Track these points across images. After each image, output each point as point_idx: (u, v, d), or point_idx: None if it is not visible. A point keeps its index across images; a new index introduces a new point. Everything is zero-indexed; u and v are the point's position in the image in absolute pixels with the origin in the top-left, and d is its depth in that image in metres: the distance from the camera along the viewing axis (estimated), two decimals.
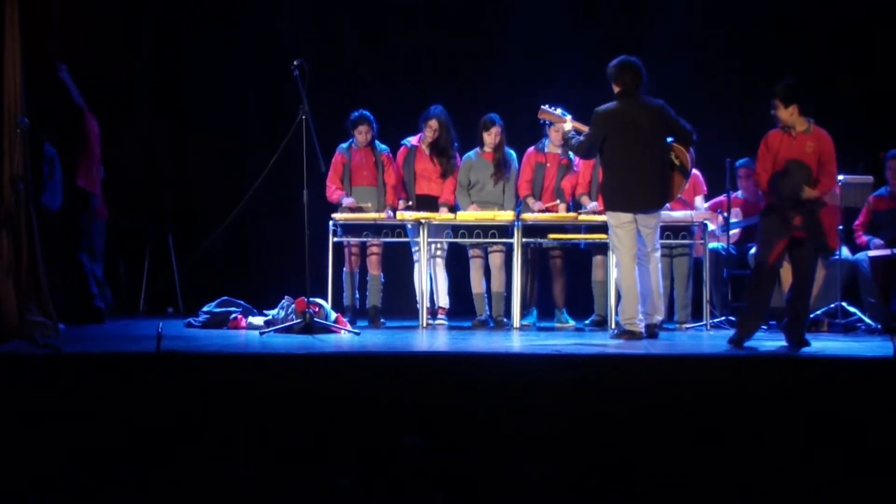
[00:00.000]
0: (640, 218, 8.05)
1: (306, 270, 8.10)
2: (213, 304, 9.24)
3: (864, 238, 9.31)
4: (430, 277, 9.62)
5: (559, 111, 8.55)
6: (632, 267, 8.03)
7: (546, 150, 9.65)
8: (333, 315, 8.69)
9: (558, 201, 9.53)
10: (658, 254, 8.21)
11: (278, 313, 8.64)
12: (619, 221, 8.05)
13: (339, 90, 11.14)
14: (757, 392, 5.84)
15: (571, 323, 9.68)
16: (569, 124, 8.41)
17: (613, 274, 8.83)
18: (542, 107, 8.58)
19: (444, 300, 9.79)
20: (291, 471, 5.42)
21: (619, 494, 5.27)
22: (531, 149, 9.75)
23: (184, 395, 5.80)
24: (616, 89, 8.09)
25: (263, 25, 11.78)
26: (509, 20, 11.80)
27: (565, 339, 8.12)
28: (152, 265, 11.59)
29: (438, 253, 9.75)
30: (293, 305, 8.53)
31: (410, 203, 9.71)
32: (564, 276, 9.82)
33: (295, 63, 8.08)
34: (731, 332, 8.74)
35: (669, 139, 8.13)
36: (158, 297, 11.56)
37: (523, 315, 9.50)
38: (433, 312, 9.73)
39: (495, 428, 5.66)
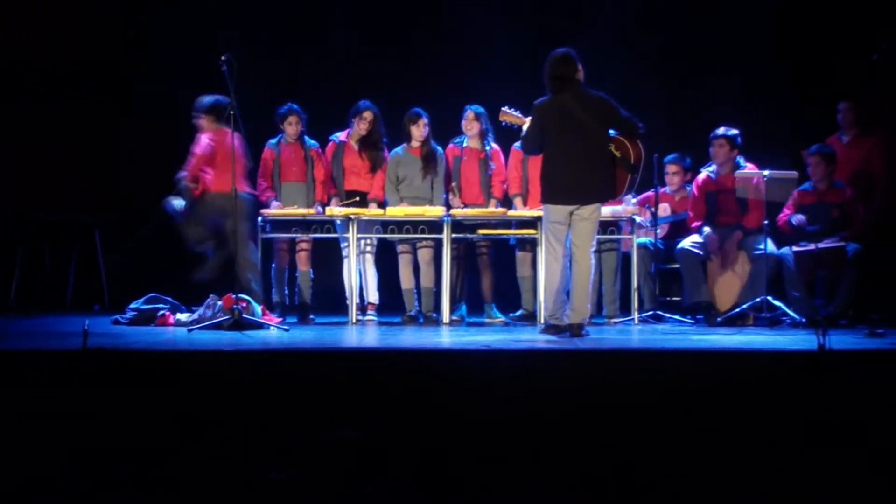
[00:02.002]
0: (578, 211, 7.91)
1: (235, 266, 8.05)
2: (141, 300, 9.16)
3: (786, 216, 9.39)
4: (359, 273, 9.60)
5: (518, 112, 8.46)
6: (558, 263, 7.96)
7: (464, 144, 9.70)
8: (260, 310, 8.65)
9: (492, 202, 9.62)
10: (591, 249, 8.00)
11: (204, 312, 8.56)
12: (554, 217, 7.94)
13: (269, 86, 11.07)
14: (683, 386, 5.89)
15: (500, 318, 9.71)
16: (528, 124, 8.30)
17: (542, 269, 8.85)
18: (503, 109, 8.45)
19: (373, 296, 9.78)
20: (222, 465, 5.38)
21: (552, 486, 5.29)
22: (450, 144, 9.86)
23: (110, 392, 5.75)
24: (552, 82, 8.00)
25: (195, 16, 11.67)
26: (437, 18, 11.80)
27: (494, 334, 8.14)
28: (79, 260, 11.46)
29: (368, 249, 9.75)
30: (220, 303, 8.47)
31: (353, 198, 9.69)
32: (492, 271, 9.85)
33: (223, 58, 8.02)
34: (658, 326, 8.85)
35: (613, 132, 8.02)
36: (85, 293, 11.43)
37: (452, 310, 9.52)
38: (363, 308, 9.73)
39: (426, 422, 5.66)
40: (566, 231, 7.96)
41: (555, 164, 7.95)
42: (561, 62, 7.98)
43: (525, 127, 8.22)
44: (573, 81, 7.97)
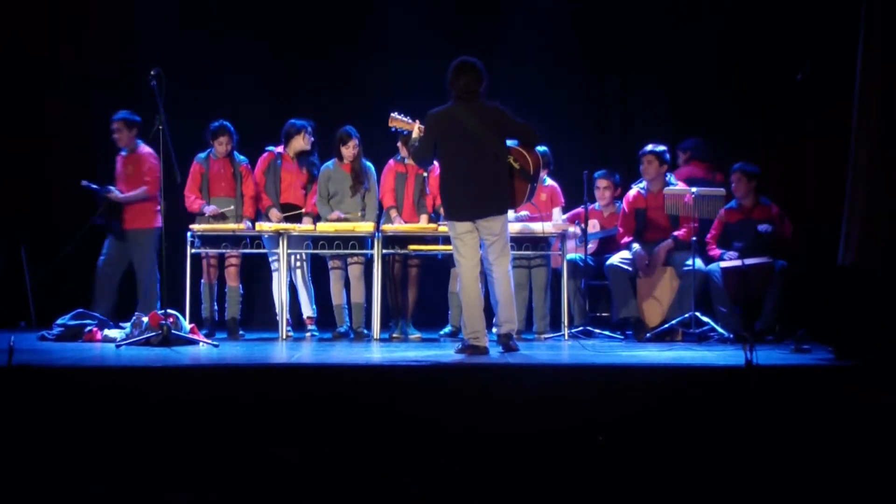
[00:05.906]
0: (482, 226, 7.77)
1: (163, 282, 7.99)
2: (68, 316, 9.04)
3: (717, 251, 9.50)
4: (289, 288, 9.55)
5: (408, 118, 8.32)
6: (473, 278, 7.79)
7: (406, 161, 9.64)
8: (188, 326, 8.58)
9: (423, 217, 9.57)
10: (508, 261, 7.85)
11: (132, 331, 8.44)
12: (458, 231, 7.76)
13: (198, 100, 10.99)
14: (611, 401, 5.92)
15: (418, 334, 9.64)
16: (417, 131, 8.07)
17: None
18: (392, 114, 8.32)
19: (308, 310, 9.74)
20: (148, 484, 5.33)
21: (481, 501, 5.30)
22: (391, 160, 9.75)
23: (36, 410, 5.68)
24: (454, 89, 7.74)
25: (123, 31, 11.55)
26: (366, 32, 11.80)
27: (423, 350, 8.12)
28: (4, 276, 11.27)
29: (298, 264, 9.71)
30: (145, 320, 8.37)
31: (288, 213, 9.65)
32: (417, 287, 9.82)
33: (152, 73, 7.96)
34: (588, 342, 8.88)
35: (511, 143, 7.84)
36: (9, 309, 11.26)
37: (389, 326, 9.51)
38: (301, 324, 9.71)
39: (357, 437, 5.65)
40: (475, 237, 7.76)
41: (452, 180, 7.75)
42: (468, 71, 7.71)
43: (415, 133, 8.04)
44: (474, 92, 7.72)
